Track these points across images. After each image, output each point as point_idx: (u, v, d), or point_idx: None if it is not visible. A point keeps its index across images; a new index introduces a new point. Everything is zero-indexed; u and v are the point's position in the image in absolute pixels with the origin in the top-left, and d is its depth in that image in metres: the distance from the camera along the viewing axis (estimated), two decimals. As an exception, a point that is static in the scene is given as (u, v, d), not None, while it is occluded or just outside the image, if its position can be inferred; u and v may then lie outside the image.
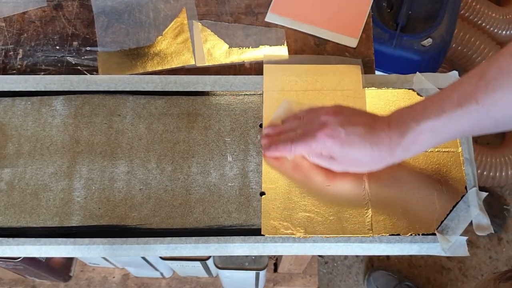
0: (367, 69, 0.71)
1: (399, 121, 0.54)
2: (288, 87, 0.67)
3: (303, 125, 0.60)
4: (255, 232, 0.59)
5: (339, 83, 0.67)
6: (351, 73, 0.68)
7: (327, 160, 0.58)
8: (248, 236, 0.59)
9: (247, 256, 0.91)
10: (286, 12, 0.74)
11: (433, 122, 0.51)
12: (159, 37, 0.72)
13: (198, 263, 1.01)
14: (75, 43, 0.73)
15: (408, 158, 0.56)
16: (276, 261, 1.20)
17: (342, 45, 0.73)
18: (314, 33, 0.73)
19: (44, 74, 0.71)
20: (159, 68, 0.71)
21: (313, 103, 0.65)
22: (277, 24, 0.74)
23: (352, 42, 0.73)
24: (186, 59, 0.71)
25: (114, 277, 1.21)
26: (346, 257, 1.45)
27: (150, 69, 0.70)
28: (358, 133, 0.55)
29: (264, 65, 0.69)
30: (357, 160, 0.56)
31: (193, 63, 0.71)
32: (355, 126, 0.55)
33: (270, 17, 0.74)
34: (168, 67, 0.71)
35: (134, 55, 0.72)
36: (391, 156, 0.55)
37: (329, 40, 0.73)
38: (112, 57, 0.72)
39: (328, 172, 0.60)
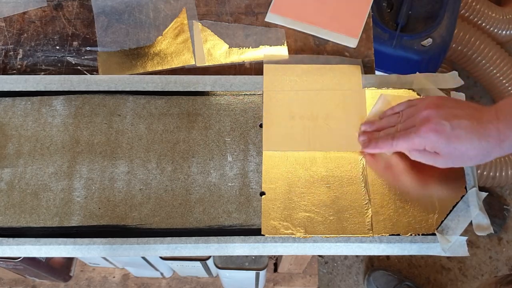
0: (367, 69, 0.71)
1: (508, 112, 0.52)
2: (288, 87, 0.67)
3: (403, 120, 0.58)
4: (255, 232, 0.59)
5: (339, 83, 0.67)
6: (351, 73, 0.68)
7: (431, 156, 0.56)
8: (248, 236, 0.59)
9: (247, 256, 0.91)
10: (286, 12, 0.75)
11: None
12: (159, 37, 0.72)
13: (198, 263, 1.01)
14: (75, 43, 0.73)
15: None
16: (276, 261, 1.20)
17: (342, 45, 0.73)
18: (314, 33, 0.73)
19: (44, 74, 0.71)
20: (159, 68, 0.71)
21: (312, 103, 0.65)
22: (277, 24, 0.74)
23: (352, 42, 0.73)
24: (186, 59, 0.71)
25: (114, 277, 1.21)
26: (346, 257, 1.45)
27: (150, 69, 0.71)
28: (464, 126, 0.53)
29: (264, 65, 0.69)
30: (464, 155, 0.54)
31: (193, 63, 0.71)
32: (461, 119, 0.53)
33: (270, 17, 0.75)
34: (168, 67, 0.71)
35: (134, 55, 0.72)
36: (500, 149, 0.52)
37: (329, 40, 0.73)
38: (112, 57, 0.72)
39: (424, 172, 0.59)
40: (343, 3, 0.75)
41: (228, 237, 0.59)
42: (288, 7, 0.75)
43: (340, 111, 0.65)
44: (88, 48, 0.72)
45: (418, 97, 0.65)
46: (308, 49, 0.73)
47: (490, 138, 0.52)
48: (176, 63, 0.71)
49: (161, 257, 0.97)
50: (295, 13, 0.74)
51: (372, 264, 1.44)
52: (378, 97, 0.65)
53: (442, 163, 0.56)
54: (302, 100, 0.66)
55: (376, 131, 0.61)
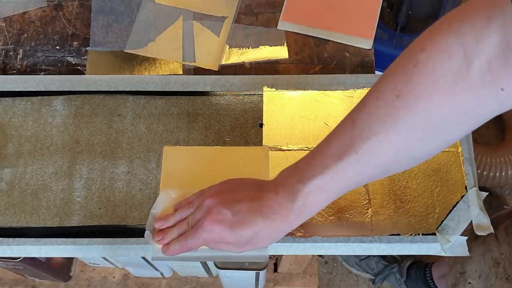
0: (367, 69, 0.71)
1: (286, 185, 0.50)
2: (188, 171, 0.62)
3: (193, 212, 0.55)
4: (255, 232, 0.59)
5: (245, 165, 0.63)
6: (259, 155, 0.63)
7: (224, 246, 0.53)
8: (248, 236, 0.59)
9: (247, 256, 0.90)
10: (298, 18, 0.73)
11: (319, 180, 0.47)
12: (151, 43, 0.72)
13: (198, 263, 1.01)
14: (75, 43, 0.73)
15: (305, 221, 0.50)
16: (276, 261, 1.20)
17: (342, 45, 0.73)
18: (329, 38, 0.72)
19: (44, 74, 0.71)
20: (146, 73, 0.70)
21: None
22: (290, 31, 0.73)
23: (366, 43, 0.72)
24: (174, 69, 0.70)
25: (114, 277, 1.21)
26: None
27: (136, 74, 0.70)
28: (245, 210, 0.50)
29: (164, 148, 0.63)
30: (252, 238, 0.51)
31: (181, 72, 0.70)
32: (240, 202, 0.51)
33: (282, 25, 0.74)
34: (155, 74, 0.70)
35: (124, 58, 0.71)
36: (288, 225, 0.50)
37: (330, 40, 0.73)
38: (101, 57, 0.72)
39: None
40: (353, 5, 0.74)
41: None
42: (299, 13, 0.74)
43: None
44: (88, 48, 0.72)
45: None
46: (308, 49, 0.73)
47: (274, 216, 0.49)
48: (163, 71, 0.70)
49: (161, 257, 0.97)
50: (307, 19, 0.73)
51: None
52: (160, 193, 0.60)
53: (236, 249, 0.53)
54: (203, 183, 0.58)
55: (171, 226, 0.56)
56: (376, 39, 0.73)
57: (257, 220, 0.50)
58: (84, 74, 0.71)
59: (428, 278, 1.25)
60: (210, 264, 1.03)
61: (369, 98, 0.46)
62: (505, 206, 1.51)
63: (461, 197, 0.61)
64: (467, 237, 0.58)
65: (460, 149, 0.63)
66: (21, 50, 0.72)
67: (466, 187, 0.61)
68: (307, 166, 0.49)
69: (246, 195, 0.52)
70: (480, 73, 0.40)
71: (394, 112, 0.43)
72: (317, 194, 0.48)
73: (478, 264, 0.87)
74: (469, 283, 0.88)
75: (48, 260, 1.07)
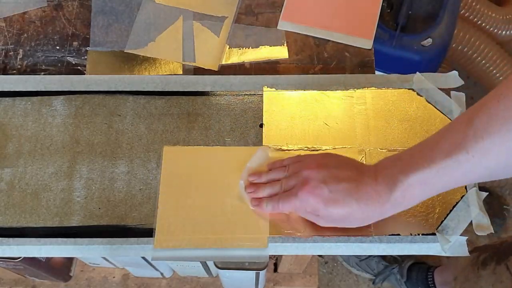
0: (367, 69, 0.71)
1: (386, 174, 0.50)
2: (188, 171, 0.62)
3: (288, 177, 0.56)
4: (255, 232, 0.59)
5: (245, 164, 0.62)
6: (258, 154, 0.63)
7: (314, 217, 0.55)
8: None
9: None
10: (298, 18, 0.73)
11: (423, 174, 0.48)
12: (151, 43, 0.72)
13: (198, 263, 1.01)
14: (75, 43, 0.73)
15: (399, 211, 0.52)
16: (276, 261, 1.20)
17: (342, 45, 0.73)
18: (329, 38, 0.72)
19: (44, 74, 0.71)
20: (146, 73, 0.70)
21: (215, 185, 0.61)
22: (290, 31, 0.73)
23: (367, 43, 0.72)
24: (174, 69, 0.70)
25: (114, 277, 1.21)
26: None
27: (137, 74, 0.70)
28: (342, 190, 0.52)
29: (164, 148, 0.64)
30: (343, 217, 0.53)
31: (181, 73, 0.70)
32: (339, 182, 0.52)
33: (282, 25, 0.74)
34: (155, 74, 0.70)
35: (124, 58, 0.71)
36: (381, 213, 0.52)
37: (330, 40, 0.73)
38: (102, 57, 0.71)
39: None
40: (353, 5, 0.74)
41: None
42: (299, 13, 0.74)
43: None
44: (88, 48, 0.72)
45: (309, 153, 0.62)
46: (308, 49, 0.73)
47: (370, 202, 0.51)
48: (163, 71, 0.70)
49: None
50: (307, 19, 0.73)
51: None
52: (258, 149, 0.62)
53: (324, 223, 0.55)
54: (205, 182, 0.60)
55: (263, 183, 0.59)
56: (376, 39, 0.73)
57: (352, 203, 0.51)
58: (84, 74, 0.71)
59: (430, 282, 1.25)
60: (210, 264, 1.03)
61: (491, 99, 0.45)
62: (505, 206, 1.51)
63: (461, 197, 0.60)
64: (467, 237, 0.58)
65: (460, 149, 0.63)
66: (21, 50, 0.72)
67: (466, 187, 0.61)
68: (411, 159, 0.49)
69: (346, 175, 0.53)
70: None
71: None
72: (418, 188, 0.49)
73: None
74: None
75: (48, 260, 1.07)
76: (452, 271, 0.96)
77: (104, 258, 1.07)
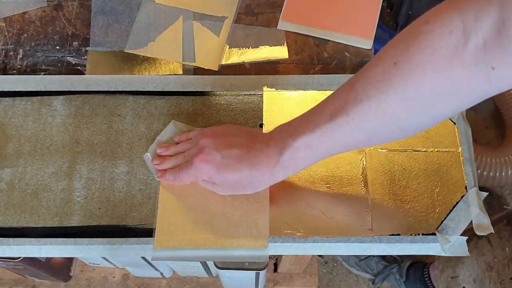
0: (367, 69, 0.71)
1: (277, 139, 0.52)
2: None
3: (189, 148, 0.58)
4: (255, 232, 0.59)
5: None
6: None
7: (211, 185, 0.57)
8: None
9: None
10: (298, 18, 0.73)
11: (308, 137, 0.49)
12: (151, 43, 0.72)
13: (198, 263, 1.01)
14: (75, 43, 0.73)
15: (289, 176, 0.53)
16: (276, 261, 1.20)
17: (342, 45, 0.73)
18: (329, 38, 0.72)
19: (44, 74, 0.71)
20: (146, 73, 0.70)
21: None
22: (290, 31, 0.73)
23: (366, 43, 0.72)
24: (174, 69, 0.70)
25: (114, 277, 1.21)
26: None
27: (137, 74, 0.70)
28: (234, 156, 0.53)
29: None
30: (237, 183, 0.54)
31: (181, 73, 0.70)
32: (232, 148, 0.54)
33: (282, 25, 0.74)
34: (155, 74, 0.70)
35: (124, 58, 0.71)
36: (272, 176, 0.53)
37: (330, 40, 0.73)
38: (101, 57, 0.71)
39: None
40: (353, 5, 0.74)
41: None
42: (299, 13, 0.74)
43: None
44: (88, 48, 0.72)
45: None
46: (308, 49, 0.73)
47: (261, 166, 0.52)
48: (163, 71, 0.70)
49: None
50: (307, 19, 0.73)
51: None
52: (170, 122, 0.64)
53: (221, 190, 0.56)
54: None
55: (170, 155, 0.61)
56: (376, 39, 0.73)
57: (243, 167, 0.53)
58: (84, 74, 0.71)
59: (426, 278, 1.25)
60: (210, 264, 1.03)
61: (370, 64, 0.47)
62: (505, 206, 1.51)
63: (461, 197, 0.61)
64: (467, 237, 0.58)
65: (460, 149, 0.63)
66: (21, 50, 0.72)
67: (466, 187, 0.61)
68: (300, 124, 0.51)
69: (239, 141, 0.54)
70: (475, 50, 0.40)
71: (389, 79, 0.44)
72: (304, 151, 0.50)
73: (471, 269, 0.87)
74: (463, 287, 0.89)
75: (48, 260, 1.07)
76: (436, 265, 0.97)
77: (104, 258, 1.07)
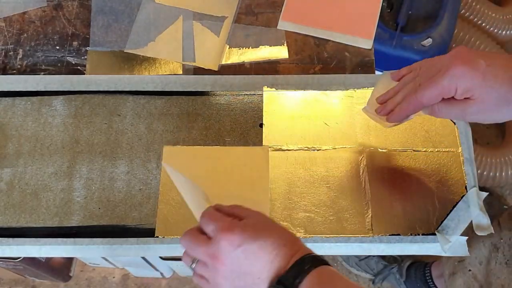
0: (367, 69, 0.71)
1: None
2: (188, 171, 0.61)
3: (422, 73, 0.49)
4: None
5: (245, 165, 0.62)
6: (259, 155, 0.63)
7: (461, 106, 0.48)
8: (248, 236, 0.59)
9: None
10: (298, 18, 0.73)
11: None
12: (151, 43, 0.72)
13: (198, 263, 1.01)
14: (75, 43, 0.73)
15: None
16: (276, 261, 1.20)
17: (342, 45, 0.73)
18: (329, 38, 0.72)
19: (44, 74, 0.71)
20: (146, 73, 0.70)
21: (217, 185, 0.61)
22: (290, 31, 0.73)
23: (367, 43, 0.72)
24: (174, 69, 0.70)
25: (114, 277, 1.21)
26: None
27: (137, 74, 0.70)
28: (500, 65, 0.45)
29: (164, 148, 0.63)
30: (500, 99, 0.46)
31: (181, 73, 0.70)
32: (495, 59, 0.46)
33: (282, 25, 0.74)
34: (155, 74, 0.70)
35: (124, 58, 0.71)
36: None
37: (329, 40, 0.73)
38: (101, 57, 0.71)
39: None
40: (353, 5, 0.74)
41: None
42: (299, 13, 0.74)
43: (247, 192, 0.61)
44: (88, 48, 0.72)
45: None
46: (308, 49, 0.73)
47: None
48: (163, 71, 0.70)
49: (161, 257, 0.97)
50: (307, 18, 0.73)
51: (372, 264, 1.44)
52: (381, 74, 0.59)
53: (474, 111, 0.46)
54: (205, 183, 0.59)
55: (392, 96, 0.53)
56: (376, 39, 0.73)
57: (510, 82, 0.45)
58: (84, 74, 0.71)
59: (427, 278, 1.25)
60: (210, 264, 1.03)
61: None
62: (505, 206, 1.50)
63: (461, 197, 0.60)
64: (467, 237, 0.58)
65: (460, 149, 0.63)
66: (21, 50, 0.72)
67: (466, 187, 0.61)
68: None
69: (500, 57, 0.47)
70: None
71: None
72: None
73: (478, 251, 0.87)
74: (469, 270, 0.88)
75: (48, 260, 1.07)
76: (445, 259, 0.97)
77: (104, 258, 1.07)
